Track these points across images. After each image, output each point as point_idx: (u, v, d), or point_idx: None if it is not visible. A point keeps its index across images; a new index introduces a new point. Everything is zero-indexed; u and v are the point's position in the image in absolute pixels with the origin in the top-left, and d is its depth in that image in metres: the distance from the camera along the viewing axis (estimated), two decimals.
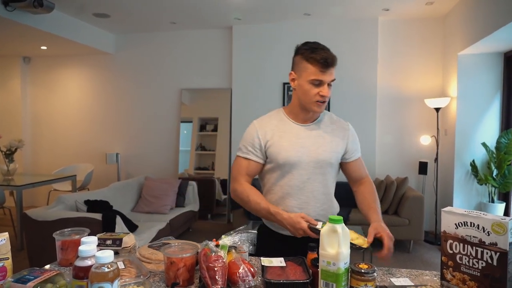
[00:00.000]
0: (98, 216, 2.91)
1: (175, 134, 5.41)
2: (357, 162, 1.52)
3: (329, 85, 1.35)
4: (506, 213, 4.03)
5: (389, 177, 4.45)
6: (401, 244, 4.21)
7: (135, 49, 5.49)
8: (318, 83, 1.33)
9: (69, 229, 1.32)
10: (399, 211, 4.11)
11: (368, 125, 4.66)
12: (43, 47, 5.17)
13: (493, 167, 3.94)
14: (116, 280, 0.85)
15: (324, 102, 1.37)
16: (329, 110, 3.57)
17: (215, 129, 5.35)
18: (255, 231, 1.26)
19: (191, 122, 5.45)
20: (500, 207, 3.93)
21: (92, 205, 3.31)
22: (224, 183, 5.21)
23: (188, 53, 5.32)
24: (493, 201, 3.97)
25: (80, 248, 0.90)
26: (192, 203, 4.71)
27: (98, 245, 1.31)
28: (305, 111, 1.43)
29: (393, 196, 4.14)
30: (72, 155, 5.74)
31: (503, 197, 4.11)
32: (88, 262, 0.90)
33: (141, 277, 1.13)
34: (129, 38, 5.50)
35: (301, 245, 1.23)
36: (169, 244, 1.21)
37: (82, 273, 0.89)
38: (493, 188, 3.96)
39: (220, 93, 5.24)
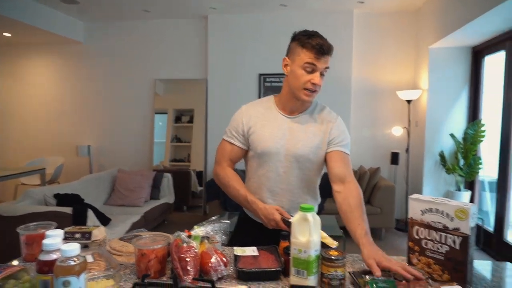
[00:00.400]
0: (68, 210, 2.83)
1: (149, 125, 5.31)
2: (336, 155, 1.39)
3: (322, 74, 1.32)
4: (471, 201, 4.21)
5: (362, 168, 4.55)
6: (373, 232, 4.31)
7: (106, 38, 5.32)
8: (311, 70, 1.29)
9: (35, 223, 1.27)
10: (371, 200, 4.22)
11: (342, 117, 4.68)
12: (7, 34, 4.91)
13: (460, 157, 4.09)
14: (82, 274, 0.82)
15: (314, 91, 1.33)
16: None
17: (190, 121, 5.28)
18: (228, 221, 1.25)
19: (166, 113, 5.36)
20: (466, 195, 4.10)
21: (62, 199, 3.20)
22: (200, 175, 5.17)
23: (162, 42, 5.20)
24: (459, 190, 4.14)
25: (44, 241, 0.87)
26: (167, 195, 4.66)
27: (66, 239, 1.29)
28: (293, 100, 1.39)
29: (366, 186, 4.24)
30: (41, 148, 5.53)
31: (469, 186, 4.30)
32: (53, 256, 0.87)
33: (111, 270, 1.11)
34: (100, 27, 5.31)
35: (278, 235, 1.24)
36: (140, 236, 1.18)
37: (47, 267, 0.86)
38: (460, 177, 4.12)
39: (196, 84, 5.17)
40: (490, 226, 3.84)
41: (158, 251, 1.11)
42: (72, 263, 0.81)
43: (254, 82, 4.95)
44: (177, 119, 5.34)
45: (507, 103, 3.54)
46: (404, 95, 4.44)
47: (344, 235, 3.10)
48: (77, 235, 1.31)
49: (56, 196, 3.26)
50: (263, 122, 1.42)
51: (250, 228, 1.53)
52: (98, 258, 1.15)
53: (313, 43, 1.27)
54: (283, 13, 4.78)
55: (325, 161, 1.43)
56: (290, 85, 1.37)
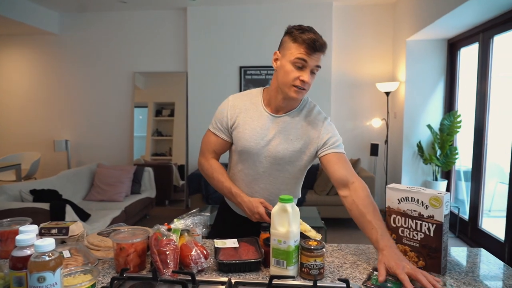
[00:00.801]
0: (45, 205, 2.76)
1: (129, 119, 5.22)
2: (331, 158, 1.31)
3: (312, 72, 1.25)
4: (447, 190, 4.34)
5: None
6: (353, 222, 4.41)
7: (83, 29, 5.17)
8: (301, 66, 1.22)
9: (9, 219, 1.24)
10: None
11: (323, 109, 4.74)
12: None
13: (437, 148, 4.20)
14: (58, 269, 0.81)
15: (303, 89, 1.25)
16: None
17: (171, 114, 5.22)
18: (209, 214, 1.25)
19: (146, 107, 5.28)
20: (443, 184, 4.22)
21: (39, 195, 3.13)
22: (181, 169, 5.14)
23: (140, 35, 5.10)
24: (436, 179, 4.26)
25: (17, 237, 0.85)
26: (149, 190, 4.61)
27: (42, 235, 1.26)
28: (280, 96, 1.31)
29: None
30: (16, 143, 5.36)
31: (446, 175, 4.42)
32: (27, 252, 0.85)
33: (89, 265, 1.09)
34: (75, 18, 5.16)
35: (258, 226, 1.24)
36: (119, 230, 1.17)
37: (21, 263, 0.84)
38: (437, 167, 4.23)
39: (176, 77, 5.10)
40: (465, 214, 3.98)
41: (137, 245, 1.09)
42: (47, 258, 0.80)
43: (235, 75, 4.92)
44: (158, 112, 5.27)
45: (481, 94, 3.65)
46: (382, 87, 4.51)
47: (325, 226, 3.14)
48: (54, 231, 1.28)
49: (33, 192, 3.17)
50: (246, 119, 1.37)
51: (230, 219, 1.53)
52: (75, 253, 1.14)
53: (305, 38, 1.20)
54: (263, 5, 4.75)
55: (323, 166, 1.35)
56: (278, 80, 1.30)
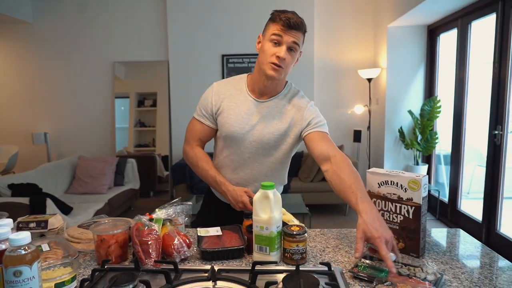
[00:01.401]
0: (25, 200, 2.70)
1: (110, 110, 5.11)
2: (313, 136, 1.32)
3: (290, 49, 1.26)
4: (428, 174, 4.44)
5: None
6: (337, 208, 4.49)
7: (58, 17, 4.98)
8: (278, 43, 1.25)
9: None
10: None
11: (306, 97, 4.77)
12: None
13: (417, 133, 4.28)
14: (35, 263, 0.79)
15: (280, 67, 1.26)
16: None
17: (154, 104, 5.14)
18: (191, 203, 1.24)
19: (128, 97, 5.17)
20: (423, 168, 4.31)
21: (17, 189, 3.05)
22: (165, 159, 5.09)
23: (119, 23, 4.96)
24: (417, 164, 4.35)
25: None
26: (132, 181, 4.56)
27: (20, 229, 1.23)
28: (262, 78, 1.32)
29: None
30: None
31: (426, 160, 4.52)
32: (2, 246, 0.82)
33: (69, 257, 1.07)
34: (49, 5, 4.96)
35: (242, 213, 1.24)
36: (99, 222, 1.15)
37: None
38: (418, 152, 4.32)
39: (157, 66, 5.01)
40: (445, 197, 4.09)
41: (118, 236, 1.08)
42: (23, 252, 0.77)
43: (217, 63, 4.87)
44: (140, 103, 5.17)
45: (459, 79, 3.72)
46: (364, 73, 4.54)
47: (309, 212, 3.18)
48: (32, 225, 1.25)
49: (11, 186, 3.09)
50: (230, 105, 1.37)
51: (215, 208, 1.52)
52: (55, 246, 1.11)
53: (281, 16, 1.24)
54: None
55: (306, 145, 1.35)
56: (259, 61, 1.32)
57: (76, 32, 5.00)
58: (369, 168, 4.81)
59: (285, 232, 1.05)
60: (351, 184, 1.11)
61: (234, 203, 1.32)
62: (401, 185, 1.11)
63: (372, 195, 1.18)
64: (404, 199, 1.11)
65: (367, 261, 1.00)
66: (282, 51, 1.24)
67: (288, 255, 1.05)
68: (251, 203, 1.23)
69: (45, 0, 4.95)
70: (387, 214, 1.15)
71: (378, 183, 1.16)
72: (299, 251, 1.04)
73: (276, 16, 1.25)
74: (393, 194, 1.13)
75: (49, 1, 4.95)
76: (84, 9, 4.95)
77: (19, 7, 4.77)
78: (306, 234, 1.06)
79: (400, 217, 1.12)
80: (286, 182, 1.53)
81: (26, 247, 0.78)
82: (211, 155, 1.48)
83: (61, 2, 4.95)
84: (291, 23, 1.23)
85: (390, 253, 0.96)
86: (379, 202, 1.17)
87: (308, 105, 1.38)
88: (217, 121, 1.40)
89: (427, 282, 0.88)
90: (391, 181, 1.13)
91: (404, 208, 1.11)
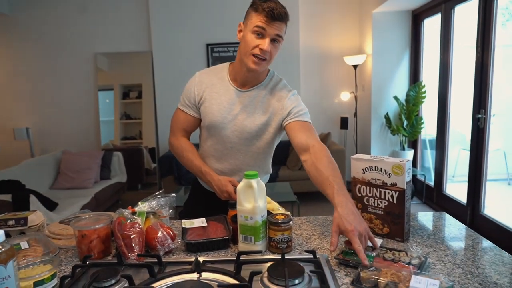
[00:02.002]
0: (7, 197, 2.63)
1: (94, 103, 5.01)
2: (293, 126, 1.31)
3: (273, 41, 1.23)
4: (414, 159, 4.50)
5: None
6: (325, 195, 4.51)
7: (35, 8, 4.81)
8: (261, 35, 1.21)
9: None
10: None
11: (292, 84, 4.66)
12: None
13: (403, 118, 4.31)
14: (10, 261, 0.76)
15: (263, 59, 1.23)
16: None
17: (139, 96, 5.06)
18: (174, 195, 1.22)
19: (112, 89, 5.08)
20: (410, 153, 4.36)
21: None
22: (152, 152, 5.03)
23: (100, 13, 4.82)
24: (404, 149, 4.39)
25: None
26: (119, 175, 4.51)
27: None
28: (244, 69, 1.30)
29: None
30: None
31: (412, 145, 4.57)
32: None
33: (50, 254, 1.05)
34: None
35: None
36: (80, 217, 1.12)
37: None
38: (404, 137, 4.36)
39: (141, 57, 4.91)
40: (431, 181, 4.15)
41: (100, 230, 1.06)
42: None
43: (202, 52, 4.79)
44: (125, 95, 5.08)
45: (443, 64, 3.74)
46: (350, 60, 4.53)
47: (298, 200, 3.19)
48: (11, 222, 1.21)
49: None
50: (213, 94, 1.37)
51: (202, 198, 1.52)
52: (34, 244, 1.08)
53: (264, 6, 1.19)
54: None
55: (287, 135, 1.34)
56: (240, 51, 1.29)
57: (56, 23, 4.85)
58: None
59: (270, 221, 1.04)
60: (328, 176, 1.09)
61: (219, 192, 1.32)
62: (385, 170, 1.11)
63: (356, 181, 1.18)
64: (388, 184, 1.11)
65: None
66: (265, 43, 1.21)
67: (274, 244, 1.04)
68: (232, 204, 1.20)
69: None
70: (371, 200, 1.15)
71: (363, 169, 1.16)
72: (284, 239, 1.04)
73: (259, 6, 1.20)
74: (378, 179, 1.13)
75: None
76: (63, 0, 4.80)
77: None
78: (291, 223, 1.05)
79: (385, 202, 1.12)
80: (270, 171, 1.53)
81: (0, 246, 0.76)
82: (197, 145, 1.46)
83: None
84: (275, 14, 1.18)
85: (376, 238, 0.97)
86: (363, 188, 1.17)
87: (290, 94, 1.37)
88: (200, 110, 1.39)
89: (411, 266, 0.89)
90: (375, 167, 1.13)
91: (389, 193, 1.11)
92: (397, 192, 1.09)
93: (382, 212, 1.13)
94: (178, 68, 4.77)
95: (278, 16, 1.19)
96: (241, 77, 1.35)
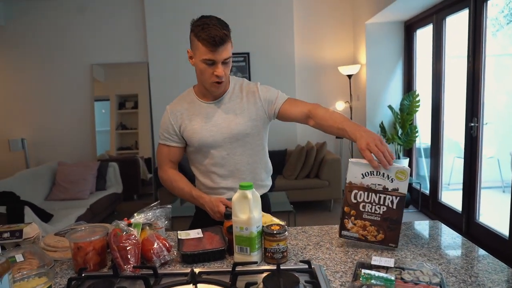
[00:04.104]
0: (1, 209, 2.62)
1: (89, 113, 5.01)
2: (284, 107, 1.41)
3: (225, 63, 1.29)
4: (409, 167, 4.52)
5: (309, 143, 4.67)
6: (322, 204, 4.53)
7: (31, 19, 4.84)
8: (211, 63, 1.27)
9: None
10: (319, 174, 4.38)
11: (287, 93, 4.72)
12: None
13: (398, 127, 4.35)
14: (6, 274, 0.76)
15: (220, 82, 1.31)
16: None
17: (135, 106, 5.07)
18: (170, 206, 1.23)
19: (108, 100, 5.08)
20: (405, 162, 4.38)
21: None
22: (148, 162, 5.02)
23: (96, 24, 4.86)
24: (399, 158, 4.42)
25: None
26: (115, 185, 4.49)
27: None
28: (209, 91, 1.38)
29: (314, 161, 4.38)
30: None
31: (407, 153, 4.60)
32: None
33: (45, 267, 1.04)
34: (22, 6, 4.81)
35: None
36: (75, 229, 1.12)
37: None
38: (399, 146, 4.39)
39: (137, 67, 4.93)
40: (426, 189, 4.17)
41: (95, 242, 1.06)
42: None
43: None
44: (121, 105, 5.09)
45: (436, 73, 3.79)
46: (344, 70, 4.58)
47: (294, 210, 3.19)
48: (6, 235, 1.21)
49: None
50: (190, 116, 1.41)
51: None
52: (29, 256, 1.08)
53: (204, 36, 1.23)
54: None
55: (283, 119, 1.44)
56: (199, 79, 1.38)
57: (51, 35, 4.87)
58: None
59: (266, 232, 1.05)
60: (335, 124, 1.27)
61: (212, 213, 1.33)
62: (388, 175, 1.11)
63: (353, 187, 1.15)
64: (389, 190, 1.11)
65: (367, 271, 0.94)
66: (219, 69, 1.28)
67: (269, 254, 1.05)
68: (225, 213, 1.21)
69: (18, 2, 4.81)
70: (368, 206, 1.14)
71: (362, 174, 1.13)
72: (279, 250, 1.04)
73: (199, 36, 1.24)
74: (378, 184, 1.12)
75: (22, 3, 4.81)
76: (59, 11, 4.83)
77: None
78: (286, 233, 1.06)
79: (383, 208, 1.12)
80: (271, 170, 1.55)
81: None
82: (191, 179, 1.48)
83: (35, 4, 4.81)
84: (217, 41, 1.23)
85: (386, 258, 0.99)
86: (360, 194, 1.14)
87: (257, 87, 1.45)
88: (184, 137, 1.43)
89: (434, 286, 0.86)
90: (377, 172, 1.12)
91: (389, 198, 1.11)
92: (398, 198, 1.10)
93: (379, 218, 1.13)
94: (174, 79, 4.79)
95: (220, 41, 1.23)
96: (209, 93, 1.41)
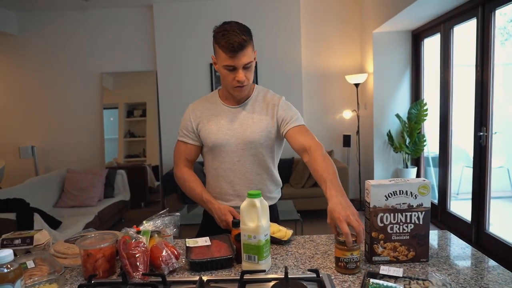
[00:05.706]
0: (11, 215, 2.65)
1: (98, 121, 5.07)
2: (291, 132, 1.38)
3: (246, 68, 1.31)
4: (417, 176, 4.49)
5: None
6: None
7: (44, 29, 4.95)
8: (232, 68, 1.30)
9: None
10: None
11: (294, 102, 4.70)
12: None
13: (406, 136, 4.33)
14: (18, 280, 0.78)
15: (242, 86, 1.34)
16: None
17: (143, 114, 5.12)
18: (179, 214, 1.24)
19: (116, 108, 5.14)
20: (413, 171, 4.36)
21: (4, 205, 2.99)
22: (156, 170, 5.05)
23: (106, 34, 4.95)
24: (407, 167, 4.39)
25: None
26: (123, 193, 4.52)
27: (5, 247, 1.21)
28: (232, 94, 1.41)
29: None
30: None
31: (415, 162, 4.57)
32: None
33: (55, 273, 1.06)
34: (35, 17, 4.94)
35: None
36: (85, 236, 1.14)
37: None
38: (407, 155, 4.37)
39: (146, 76, 5.00)
40: (435, 198, 4.12)
41: (105, 250, 1.07)
42: (5, 270, 0.76)
43: (206, 72, 4.88)
44: (129, 113, 5.15)
45: (444, 82, 3.78)
46: (352, 79, 4.59)
47: (301, 218, 3.18)
48: (17, 241, 1.23)
49: None
50: (209, 117, 1.45)
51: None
52: (40, 263, 1.10)
53: (223, 43, 1.26)
54: (230, 0, 4.72)
55: (288, 141, 1.42)
56: (222, 83, 1.41)
57: (63, 44, 4.97)
58: (359, 172, 4.82)
59: (339, 241, 1.03)
60: (322, 173, 1.18)
61: (218, 221, 1.35)
62: (411, 192, 1.09)
63: (378, 210, 1.10)
64: (414, 206, 1.09)
65: (376, 281, 0.94)
66: (240, 75, 1.30)
67: (342, 264, 1.03)
68: (233, 222, 1.19)
69: (31, 13, 4.93)
70: (396, 227, 1.10)
71: (386, 196, 1.09)
72: (353, 259, 1.03)
73: (219, 43, 1.28)
74: (403, 203, 1.09)
75: (35, 14, 4.93)
76: (70, 21, 4.93)
77: (5, 20, 4.74)
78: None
79: (411, 226, 1.10)
80: (280, 183, 1.57)
81: (9, 265, 0.77)
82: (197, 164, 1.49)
83: (47, 14, 4.93)
84: (236, 47, 1.25)
85: (395, 268, 0.97)
86: (386, 216, 1.09)
87: (280, 101, 1.45)
88: (200, 136, 1.46)
89: None
90: (399, 191, 1.09)
91: (415, 215, 1.09)
92: (423, 213, 1.09)
93: (408, 237, 1.10)
94: (182, 87, 4.84)
95: (238, 47, 1.26)
96: (232, 98, 1.44)
